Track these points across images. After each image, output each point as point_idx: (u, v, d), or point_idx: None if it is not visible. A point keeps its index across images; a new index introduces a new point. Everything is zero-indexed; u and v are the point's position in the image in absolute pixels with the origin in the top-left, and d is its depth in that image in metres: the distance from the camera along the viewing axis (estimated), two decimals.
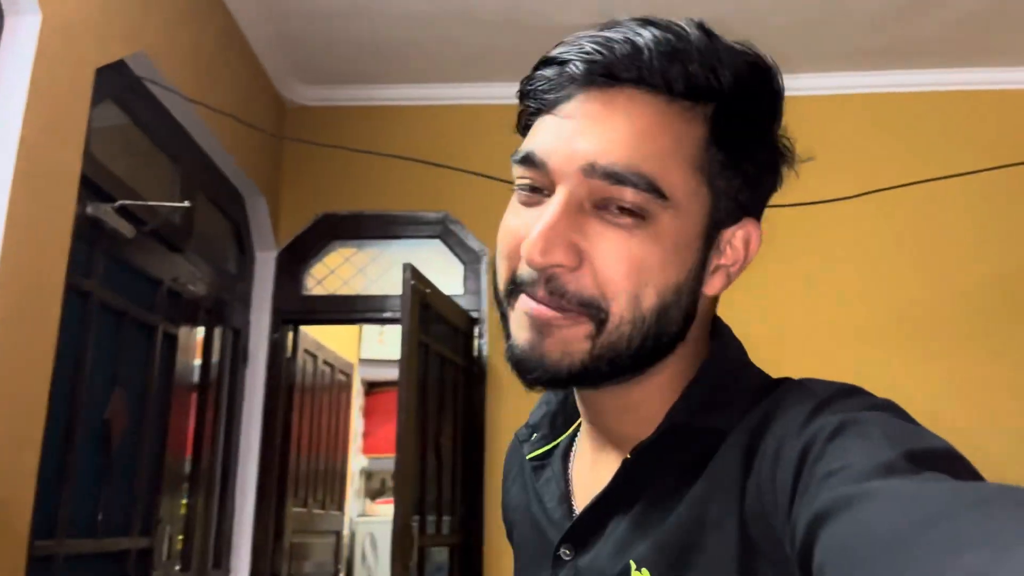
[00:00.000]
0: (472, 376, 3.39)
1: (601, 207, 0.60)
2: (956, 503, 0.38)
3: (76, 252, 2.07)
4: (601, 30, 0.63)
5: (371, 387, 5.42)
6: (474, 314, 3.46)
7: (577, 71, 0.62)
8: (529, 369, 0.62)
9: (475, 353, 3.43)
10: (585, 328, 0.60)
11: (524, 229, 0.62)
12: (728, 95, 0.61)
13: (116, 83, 2.33)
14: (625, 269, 0.59)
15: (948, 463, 0.45)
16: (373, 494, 5.36)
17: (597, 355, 0.61)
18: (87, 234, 2.19)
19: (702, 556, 0.56)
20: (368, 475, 5.36)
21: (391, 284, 3.56)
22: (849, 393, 0.55)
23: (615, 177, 0.58)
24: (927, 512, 0.38)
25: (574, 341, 0.60)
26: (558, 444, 0.78)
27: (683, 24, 0.61)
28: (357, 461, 5.04)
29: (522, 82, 0.67)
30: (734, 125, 0.62)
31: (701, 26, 0.61)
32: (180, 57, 2.63)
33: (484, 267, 3.51)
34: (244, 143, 3.17)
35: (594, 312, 0.60)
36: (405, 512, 2.61)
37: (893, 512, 0.40)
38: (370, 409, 5.40)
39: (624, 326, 0.60)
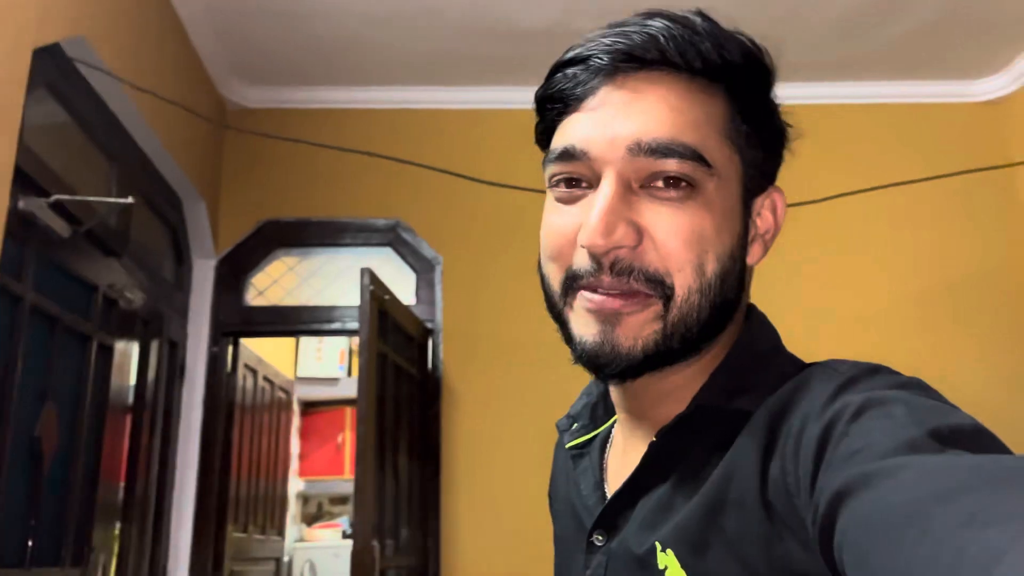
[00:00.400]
0: (427, 390, 3.25)
1: (648, 185, 0.62)
2: (978, 478, 0.37)
3: (6, 251, 1.86)
4: (610, 28, 0.65)
5: (307, 407, 5.19)
6: (428, 324, 3.32)
7: (603, 62, 0.63)
8: (604, 363, 0.62)
9: (429, 366, 3.29)
10: (654, 308, 0.61)
11: (571, 224, 0.63)
12: (740, 71, 0.65)
13: (52, 69, 2.13)
14: (684, 240, 0.61)
15: (975, 440, 0.44)
16: (310, 519, 5.11)
17: (669, 333, 0.62)
18: (18, 232, 1.98)
19: (723, 536, 0.56)
20: (304, 499, 5.12)
21: (338, 294, 3.40)
22: (874, 372, 0.55)
23: (660, 151, 0.60)
24: (948, 486, 0.37)
25: (645, 324, 0.62)
26: (597, 434, 0.79)
27: (686, 13, 0.65)
28: (293, 484, 4.80)
29: (539, 90, 0.69)
30: (750, 98, 0.66)
31: (701, 13, 0.65)
32: (119, 47, 2.43)
33: (438, 276, 3.38)
34: (185, 143, 2.98)
35: (660, 289, 0.61)
36: (365, 532, 2.45)
37: (914, 486, 0.39)
38: (306, 430, 5.17)
39: (692, 296, 0.61)
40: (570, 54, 0.66)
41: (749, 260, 0.68)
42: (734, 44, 0.64)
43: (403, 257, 3.43)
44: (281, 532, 4.06)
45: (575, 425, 0.81)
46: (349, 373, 5.11)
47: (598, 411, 0.80)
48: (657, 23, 0.63)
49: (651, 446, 0.65)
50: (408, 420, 3.05)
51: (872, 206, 3.36)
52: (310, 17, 3.08)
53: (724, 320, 0.66)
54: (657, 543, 0.60)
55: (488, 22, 3.12)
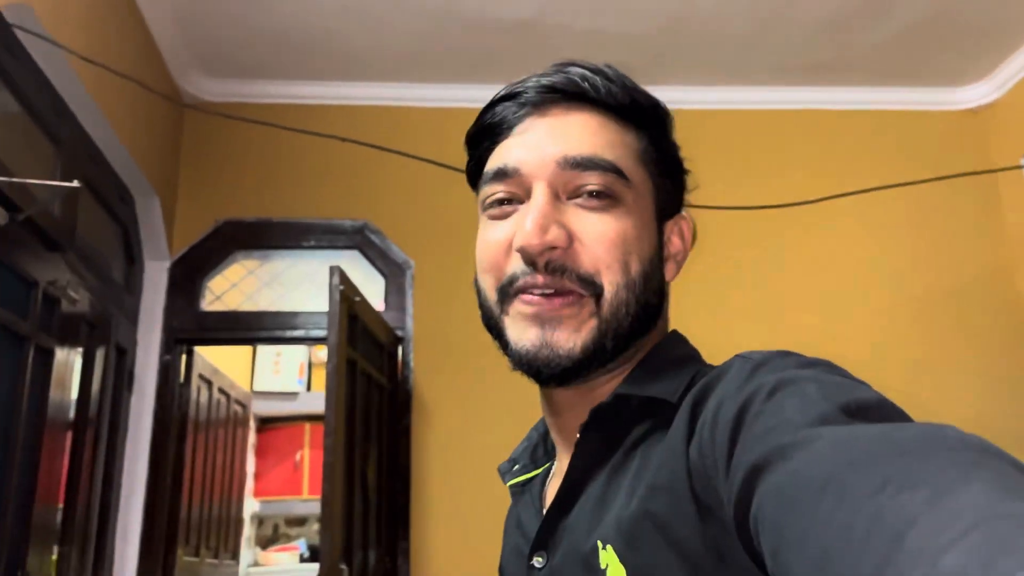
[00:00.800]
0: (396, 400, 3.05)
1: (574, 197, 0.68)
2: (888, 445, 0.38)
3: None
4: (533, 75, 0.72)
5: (263, 423, 4.93)
6: (399, 332, 3.13)
7: (531, 95, 0.71)
8: (542, 364, 0.66)
9: (399, 375, 3.10)
10: (588, 308, 0.66)
11: (505, 235, 0.68)
12: (647, 111, 0.73)
13: None
14: (610, 243, 0.66)
15: (881, 412, 0.46)
16: (265, 542, 4.83)
17: (604, 329, 0.66)
18: None
19: (654, 522, 0.56)
20: (260, 520, 4.84)
21: (301, 300, 3.20)
22: (784, 355, 0.57)
23: (584, 164, 0.67)
24: (860, 454, 0.38)
25: (581, 324, 0.66)
26: (538, 474, 0.81)
27: (598, 64, 0.73)
28: (248, 505, 4.53)
29: (471, 129, 0.75)
30: (658, 134, 0.74)
31: (610, 66, 0.73)
32: (68, 22, 2.22)
33: (409, 281, 3.20)
34: (139, 133, 2.76)
35: (591, 287, 0.66)
36: (332, 554, 2.24)
37: (827, 457, 0.40)
38: (262, 447, 4.90)
39: (621, 292, 0.66)
40: (499, 95, 0.73)
41: (666, 277, 0.73)
42: (640, 90, 0.73)
43: (371, 261, 3.24)
44: (235, 556, 3.80)
45: (516, 467, 0.84)
46: (308, 387, 4.87)
47: (538, 453, 0.84)
48: (576, 69, 0.71)
49: (577, 444, 0.67)
50: (377, 433, 2.85)
51: (855, 212, 3.28)
52: (275, 6, 2.89)
53: (649, 323, 0.70)
54: (599, 541, 0.60)
55: (462, 15, 2.97)
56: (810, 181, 3.28)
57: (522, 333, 0.67)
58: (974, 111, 3.50)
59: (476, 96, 3.32)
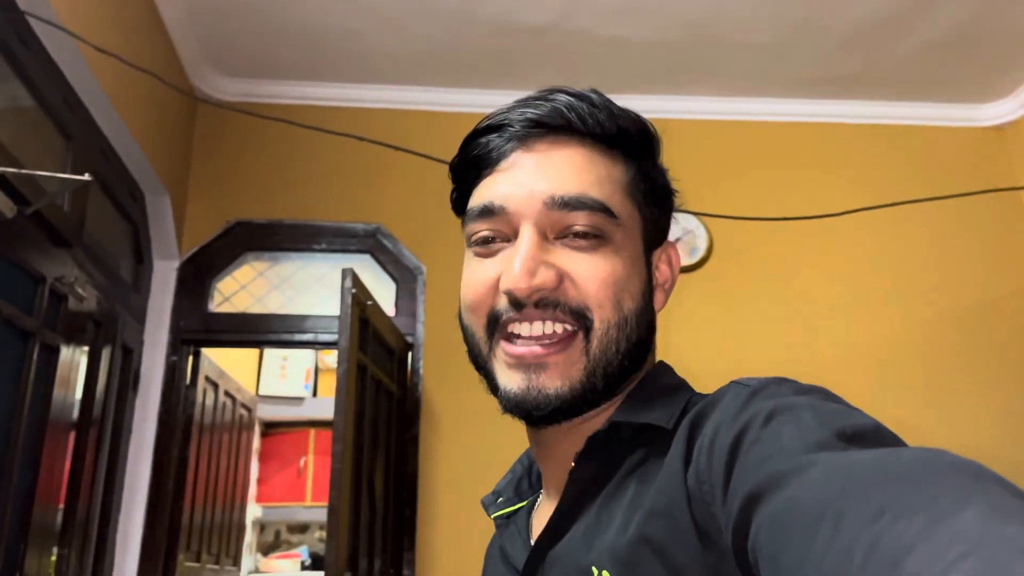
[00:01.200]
0: (405, 408, 3.00)
1: (562, 237, 0.67)
2: (884, 472, 0.38)
3: None
4: (519, 102, 0.71)
5: (268, 427, 4.87)
6: (409, 338, 3.07)
7: (515, 129, 0.69)
8: (532, 407, 0.66)
9: (409, 383, 3.04)
10: (579, 345, 0.65)
11: (492, 274, 0.68)
12: (634, 138, 0.71)
13: (2, 23, 1.88)
14: (603, 281, 0.66)
15: (878, 439, 0.46)
16: (267, 548, 4.77)
17: (592, 370, 0.65)
18: None
19: (652, 547, 0.56)
20: (261, 526, 4.78)
21: (311, 303, 3.15)
22: (780, 382, 0.57)
23: (572, 204, 0.66)
24: (856, 482, 0.38)
25: (570, 365, 0.65)
26: (523, 506, 0.81)
27: (584, 90, 0.71)
28: (250, 510, 4.47)
29: (455, 159, 0.74)
30: (644, 161, 0.73)
31: (596, 91, 0.71)
32: (81, 13, 2.19)
33: (420, 287, 3.15)
34: (151, 130, 2.72)
35: (582, 321, 0.65)
36: (339, 561, 2.18)
37: (822, 484, 0.40)
38: (266, 452, 4.84)
39: (611, 330, 0.66)
40: (483, 124, 0.71)
41: (655, 307, 0.73)
42: (627, 116, 0.71)
43: (383, 265, 3.18)
44: (236, 562, 3.74)
45: (500, 499, 0.83)
46: (315, 393, 4.82)
47: (522, 486, 0.83)
48: (561, 97, 0.70)
49: (571, 472, 0.66)
50: (386, 440, 2.79)
51: (875, 227, 3.22)
52: (292, 5, 2.85)
53: (640, 358, 0.70)
54: (593, 568, 0.60)
55: (481, 19, 2.93)
56: (830, 195, 3.23)
57: (509, 378, 0.66)
58: (999, 128, 3.44)
59: (493, 102, 3.29)
